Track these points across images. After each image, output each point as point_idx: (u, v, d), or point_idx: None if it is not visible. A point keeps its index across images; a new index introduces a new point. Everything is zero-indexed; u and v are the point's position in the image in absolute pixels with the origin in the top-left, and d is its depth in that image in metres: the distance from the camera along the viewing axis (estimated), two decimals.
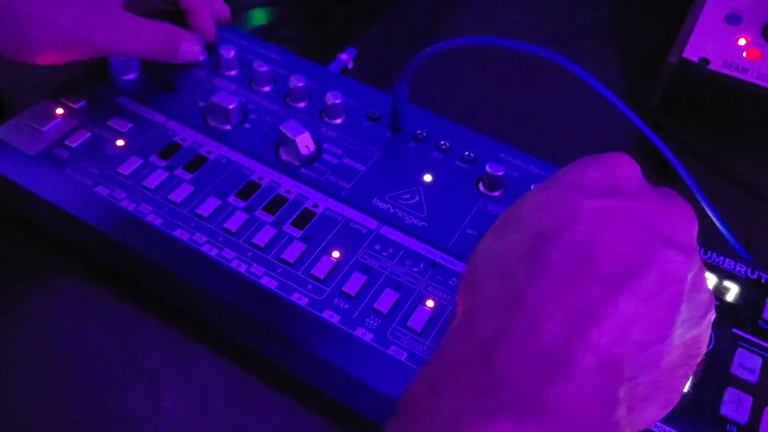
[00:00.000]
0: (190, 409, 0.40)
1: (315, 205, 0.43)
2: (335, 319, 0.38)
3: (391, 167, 0.45)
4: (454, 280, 0.40)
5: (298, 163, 0.45)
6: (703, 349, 0.30)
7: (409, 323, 0.38)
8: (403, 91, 0.45)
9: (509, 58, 0.61)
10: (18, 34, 0.42)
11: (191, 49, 0.49)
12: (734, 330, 0.38)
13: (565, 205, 0.28)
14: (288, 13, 0.65)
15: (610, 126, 0.56)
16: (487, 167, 0.43)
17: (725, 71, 0.52)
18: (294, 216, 0.42)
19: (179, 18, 0.50)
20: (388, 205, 0.43)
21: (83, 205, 0.43)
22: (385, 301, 0.38)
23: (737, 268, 0.41)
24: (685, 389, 0.35)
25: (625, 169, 0.30)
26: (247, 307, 0.38)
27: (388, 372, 0.36)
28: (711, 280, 0.40)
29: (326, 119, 0.48)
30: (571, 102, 0.57)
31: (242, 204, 0.43)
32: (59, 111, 0.47)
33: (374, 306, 0.38)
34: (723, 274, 0.40)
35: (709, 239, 0.41)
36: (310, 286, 0.39)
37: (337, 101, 0.47)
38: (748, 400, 0.35)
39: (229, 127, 0.47)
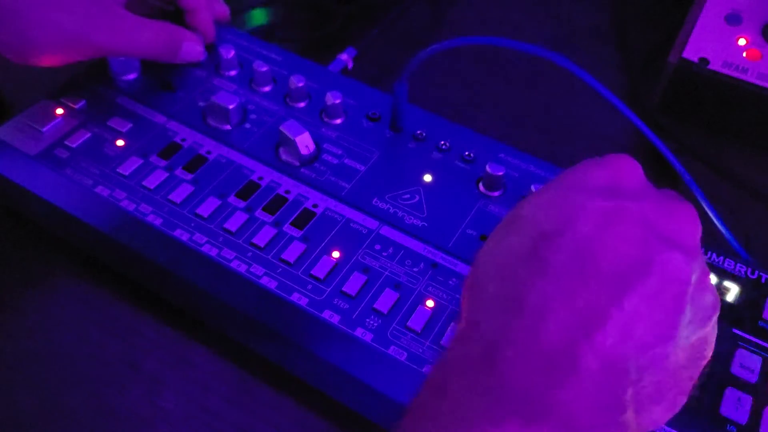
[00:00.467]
0: (190, 409, 0.40)
1: (315, 205, 0.43)
2: (335, 319, 0.38)
3: (391, 167, 0.45)
4: (454, 280, 0.40)
5: (298, 163, 0.45)
6: (709, 352, 0.30)
7: (409, 323, 0.38)
8: (403, 91, 0.45)
9: (509, 58, 0.61)
10: (20, 35, 0.42)
11: (193, 49, 0.49)
12: (734, 330, 0.38)
13: (566, 205, 0.28)
14: (288, 13, 0.65)
15: (610, 126, 0.56)
16: (487, 167, 0.43)
17: (725, 71, 0.52)
18: (294, 216, 0.42)
19: (179, 18, 0.50)
20: (388, 205, 0.43)
21: (83, 205, 0.43)
22: (385, 301, 0.38)
23: (737, 268, 0.41)
24: None
25: (628, 170, 0.30)
26: (247, 308, 0.38)
27: (388, 372, 0.36)
28: (711, 280, 0.40)
29: (326, 119, 0.48)
30: (571, 102, 0.57)
31: (242, 204, 0.43)
32: (59, 111, 0.47)
33: (374, 306, 0.38)
34: (723, 274, 0.40)
35: (709, 239, 0.41)
36: (310, 286, 0.39)
37: (337, 101, 0.47)
38: (748, 400, 0.35)
39: (229, 127, 0.47)
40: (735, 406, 0.35)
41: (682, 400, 0.29)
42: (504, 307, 0.27)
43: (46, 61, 0.44)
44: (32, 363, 0.41)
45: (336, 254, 0.40)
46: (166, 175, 0.44)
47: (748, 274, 0.40)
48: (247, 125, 0.47)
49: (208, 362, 0.42)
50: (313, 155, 0.45)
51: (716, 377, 0.36)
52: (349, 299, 0.39)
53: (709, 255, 0.41)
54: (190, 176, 0.44)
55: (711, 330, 0.30)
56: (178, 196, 0.43)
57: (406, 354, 0.37)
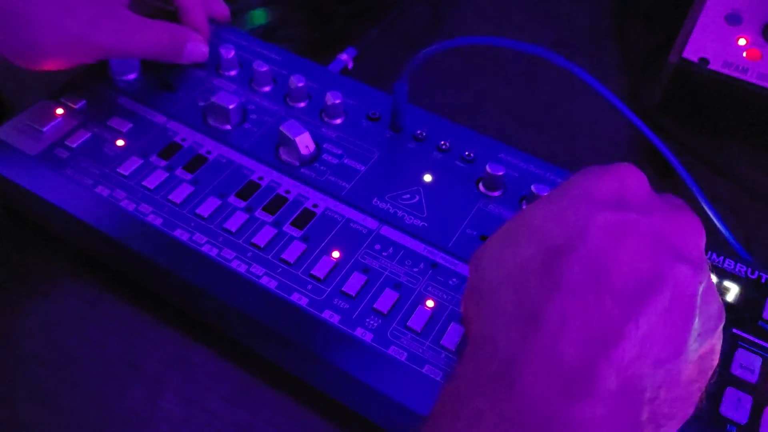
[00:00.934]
0: (190, 409, 0.40)
1: (315, 205, 0.43)
2: (335, 319, 0.38)
3: (391, 167, 0.45)
4: (454, 280, 0.40)
5: (298, 163, 0.45)
6: (716, 361, 0.30)
7: (409, 323, 0.38)
8: (403, 91, 0.45)
9: (509, 58, 0.61)
10: (26, 40, 0.42)
11: (197, 50, 0.49)
12: (734, 330, 0.38)
13: (576, 217, 0.28)
14: (288, 13, 0.65)
15: (610, 126, 0.56)
16: (487, 167, 0.43)
17: (725, 71, 0.52)
18: (294, 216, 0.42)
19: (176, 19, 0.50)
20: (388, 205, 0.43)
21: (83, 205, 0.43)
22: (385, 301, 0.38)
23: (737, 268, 0.41)
24: None
25: (634, 180, 0.30)
26: (246, 308, 0.38)
27: (388, 372, 0.36)
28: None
29: (326, 119, 0.48)
30: (571, 102, 0.57)
31: (242, 204, 0.43)
32: (59, 111, 0.47)
33: (374, 306, 0.38)
34: (723, 274, 0.40)
35: (709, 239, 0.41)
36: (310, 286, 0.39)
37: (337, 101, 0.47)
38: (748, 400, 0.35)
39: (229, 127, 0.47)
40: (735, 406, 0.35)
41: (691, 411, 0.29)
42: (520, 324, 0.27)
43: (51, 65, 0.44)
44: (32, 363, 0.41)
45: (336, 254, 0.40)
46: (166, 175, 0.44)
47: (748, 274, 0.40)
48: (247, 125, 0.47)
49: (208, 362, 0.42)
50: (313, 155, 0.45)
51: (716, 377, 0.36)
52: (349, 299, 0.39)
53: (709, 255, 0.41)
54: (190, 176, 0.44)
55: (718, 339, 0.30)
56: (178, 196, 0.43)
57: (406, 354, 0.37)
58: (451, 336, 0.37)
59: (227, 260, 0.40)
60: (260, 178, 0.44)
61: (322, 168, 0.45)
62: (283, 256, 0.40)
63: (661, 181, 0.48)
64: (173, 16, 0.50)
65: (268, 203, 0.43)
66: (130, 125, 0.47)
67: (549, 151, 0.50)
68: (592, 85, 0.39)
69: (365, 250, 0.41)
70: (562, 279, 0.27)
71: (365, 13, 0.63)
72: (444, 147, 0.46)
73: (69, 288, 0.45)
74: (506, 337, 0.27)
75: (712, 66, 0.53)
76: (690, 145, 0.53)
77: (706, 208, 0.44)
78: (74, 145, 0.45)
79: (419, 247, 0.41)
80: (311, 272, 0.39)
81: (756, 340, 0.37)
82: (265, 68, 0.49)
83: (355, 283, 0.39)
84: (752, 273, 0.40)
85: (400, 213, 0.43)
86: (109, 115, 0.47)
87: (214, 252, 0.40)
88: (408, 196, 0.44)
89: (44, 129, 0.46)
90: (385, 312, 0.38)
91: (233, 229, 0.41)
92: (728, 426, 0.34)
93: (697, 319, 0.28)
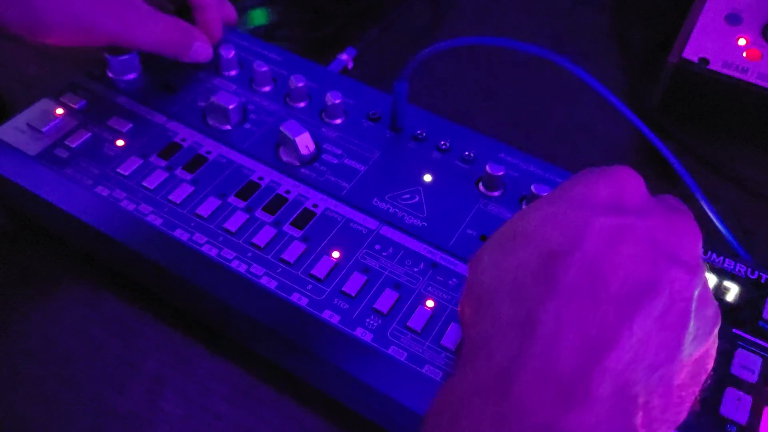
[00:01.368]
0: (190, 409, 0.40)
1: (315, 205, 0.43)
2: (335, 319, 0.38)
3: (391, 167, 0.45)
4: (454, 280, 0.40)
5: (298, 163, 0.45)
6: (711, 365, 0.30)
7: (409, 323, 0.38)
8: (403, 91, 0.45)
9: (509, 58, 0.61)
10: (31, 14, 0.41)
11: (203, 50, 0.49)
12: (734, 330, 0.38)
13: (573, 222, 0.28)
14: (288, 13, 0.65)
15: (610, 126, 0.56)
16: (487, 167, 0.43)
17: (725, 71, 0.52)
18: (294, 216, 0.42)
19: (189, 18, 0.50)
20: (388, 205, 0.43)
21: (83, 205, 0.43)
22: (385, 301, 0.38)
23: (737, 268, 0.41)
24: None
25: (631, 183, 0.30)
26: (247, 308, 0.38)
27: (388, 372, 0.36)
28: (711, 280, 0.40)
29: (326, 119, 0.48)
30: (571, 102, 0.57)
31: (242, 204, 0.43)
32: (59, 111, 0.47)
33: (374, 306, 0.38)
34: (723, 274, 0.40)
35: (709, 239, 0.41)
36: (310, 286, 0.39)
37: (337, 101, 0.47)
38: (748, 400, 0.35)
39: (229, 127, 0.47)
40: (735, 406, 0.35)
41: (684, 414, 0.29)
42: (515, 329, 0.27)
43: (57, 41, 0.43)
44: (32, 363, 0.41)
45: (336, 254, 0.40)
46: (166, 175, 0.44)
47: (748, 274, 0.40)
48: (247, 125, 0.47)
49: (208, 362, 0.42)
50: (313, 155, 0.45)
51: (716, 377, 0.36)
52: (349, 299, 0.39)
53: (709, 255, 0.41)
54: (190, 176, 0.44)
55: (713, 343, 0.30)
56: (178, 196, 0.43)
57: (406, 354, 0.37)
58: (451, 336, 0.37)
59: (227, 260, 0.40)
60: (260, 178, 0.44)
61: (322, 168, 0.45)
62: (283, 256, 0.40)
63: (661, 181, 0.48)
64: (186, 15, 0.50)
65: (268, 203, 0.43)
66: (130, 125, 0.47)
67: (549, 151, 0.50)
68: (592, 85, 0.39)
69: (365, 250, 0.41)
70: (558, 283, 0.27)
71: (365, 13, 0.63)
72: (444, 147, 0.46)
73: (69, 288, 0.45)
74: (502, 342, 0.27)
75: (712, 66, 0.53)
76: (690, 146, 0.53)
77: (706, 208, 0.44)
78: (74, 145, 0.45)
79: (419, 247, 0.41)
80: (311, 272, 0.39)
81: (756, 340, 0.37)
82: (265, 68, 0.49)
83: (355, 283, 0.39)
84: (752, 273, 0.40)
85: (400, 213, 0.43)
86: (109, 115, 0.47)
87: (214, 252, 0.40)
88: (408, 196, 0.44)
89: (44, 129, 0.46)
90: (385, 312, 0.38)
91: (233, 229, 0.41)
92: (728, 426, 0.34)
93: (692, 323, 0.28)
